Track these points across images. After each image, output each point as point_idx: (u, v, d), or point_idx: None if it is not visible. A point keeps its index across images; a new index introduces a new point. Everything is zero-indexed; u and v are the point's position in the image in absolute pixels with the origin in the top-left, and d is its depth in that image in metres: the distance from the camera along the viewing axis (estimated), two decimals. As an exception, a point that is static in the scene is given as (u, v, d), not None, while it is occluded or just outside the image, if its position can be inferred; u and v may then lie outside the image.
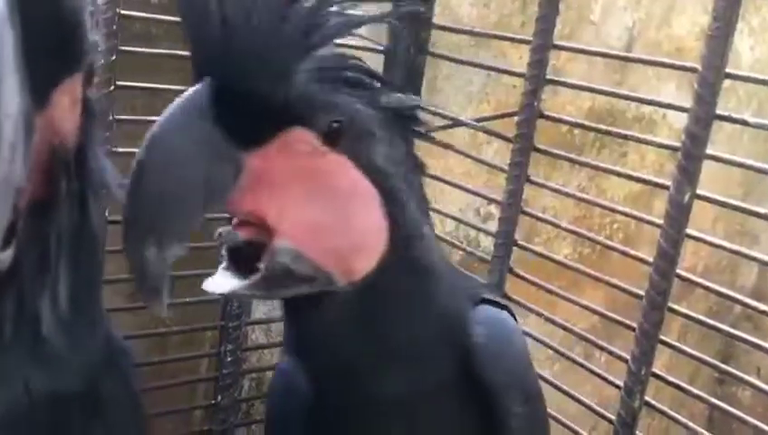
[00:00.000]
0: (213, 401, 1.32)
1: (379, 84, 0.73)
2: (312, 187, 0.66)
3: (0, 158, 0.43)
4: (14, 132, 0.43)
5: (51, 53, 0.49)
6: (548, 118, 1.19)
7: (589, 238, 1.22)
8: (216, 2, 0.60)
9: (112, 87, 1.07)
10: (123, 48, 1.08)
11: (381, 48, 1.32)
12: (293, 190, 0.65)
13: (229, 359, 1.29)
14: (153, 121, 0.62)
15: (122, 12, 1.06)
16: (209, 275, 0.70)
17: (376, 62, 1.35)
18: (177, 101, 0.62)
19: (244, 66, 0.61)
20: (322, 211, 0.66)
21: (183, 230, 0.63)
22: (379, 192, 0.69)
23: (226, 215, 0.70)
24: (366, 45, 1.40)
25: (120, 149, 0.98)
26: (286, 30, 0.62)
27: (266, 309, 1.48)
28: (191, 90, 0.62)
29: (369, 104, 0.70)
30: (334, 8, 0.66)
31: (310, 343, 0.76)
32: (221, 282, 0.67)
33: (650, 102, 1.22)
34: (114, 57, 1.06)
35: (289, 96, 0.63)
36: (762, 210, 0.98)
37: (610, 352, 1.13)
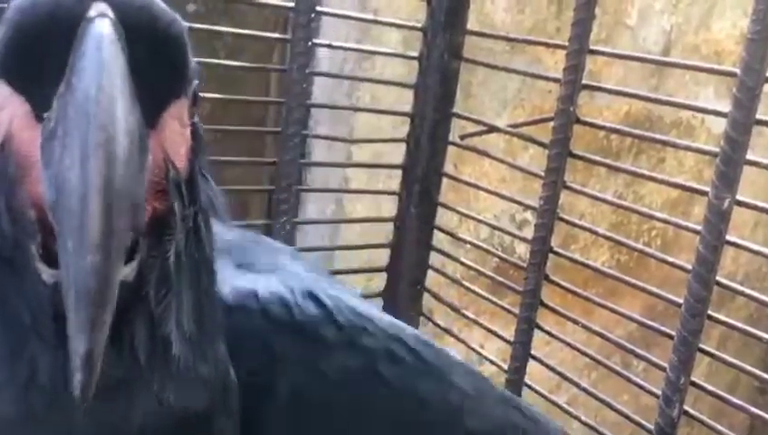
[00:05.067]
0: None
1: None
2: None
3: (116, 171, 0.46)
4: (129, 148, 0.47)
5: (158, 75, 0.52)
6: (584, 123, 1.18)
7: (626, 245, 1.21)
8: None
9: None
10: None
11: (415, 55, 1.32)
12: None
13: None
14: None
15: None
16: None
17: (410, 69, 1.35)
18: None
19: None
20: None
21: None
22: None
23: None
24: (400, 52, 1.41)
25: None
26: None
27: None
28: None
29: None
30: None
31: None
32: None
33: (688, 107, 1.21)
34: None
35: None
36: (804, 216, 0.96)
37: (648, 361, 1.11)
